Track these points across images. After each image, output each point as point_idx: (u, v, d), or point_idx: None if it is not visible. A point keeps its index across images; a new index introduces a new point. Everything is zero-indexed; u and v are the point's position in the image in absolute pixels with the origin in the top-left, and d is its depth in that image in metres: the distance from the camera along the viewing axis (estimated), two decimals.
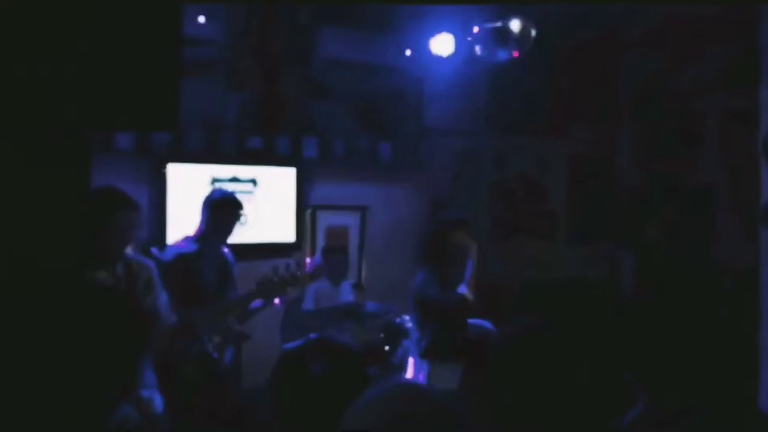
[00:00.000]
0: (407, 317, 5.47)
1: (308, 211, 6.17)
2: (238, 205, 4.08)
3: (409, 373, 4.30)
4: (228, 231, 4.06)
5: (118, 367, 1.87)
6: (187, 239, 4.05)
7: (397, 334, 5.38)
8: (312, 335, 4.99)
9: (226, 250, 4.16)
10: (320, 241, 6.21)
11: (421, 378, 4.23)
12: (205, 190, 5.31)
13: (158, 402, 3.14)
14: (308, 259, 5.99)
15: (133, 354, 2.11)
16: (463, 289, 4.19)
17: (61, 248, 1.85)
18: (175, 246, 4.08)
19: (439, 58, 5.91)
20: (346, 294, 5.64)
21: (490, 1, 5.48)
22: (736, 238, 6.48)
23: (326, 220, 6.29)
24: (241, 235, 4.26)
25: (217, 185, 5.53)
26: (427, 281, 4.23)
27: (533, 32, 5.14)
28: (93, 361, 1.73)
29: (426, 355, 4.21)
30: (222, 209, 4.02)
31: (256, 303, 3.90)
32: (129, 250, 3.21)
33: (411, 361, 4.35)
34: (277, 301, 3.95)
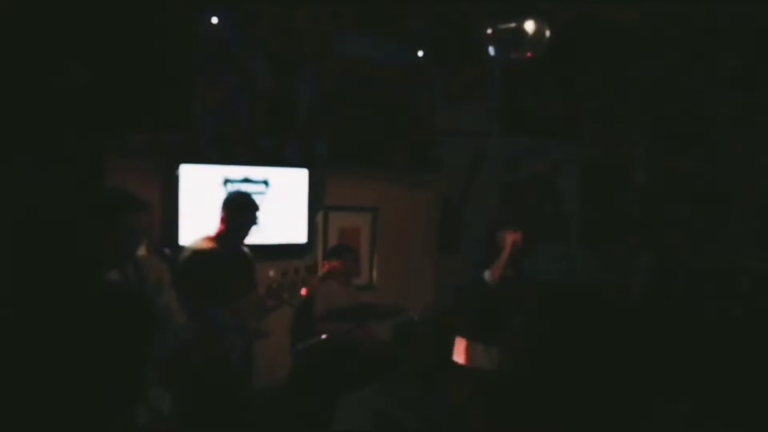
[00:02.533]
0: (417, 318, 5.47)
1: (320, 212, 6.17)
2: (256, 207, 4.16)
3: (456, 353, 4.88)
4: (244, 232, 4.13)
5: (129, 364, 1.87)
6: (205, 239, 4.09)
7: (407, 334, 5.37)
8: (322, 336, 5.01)
9: (246, 249, 4.21)
10: (332, 242, 6.21)
11: (461, 358, 4.81)
12: (218, 190, 5.33)
13: (167, 399, 3.15)
14: (321, 260, 5.99)
15: (144, 352, 2.11)
16: (486, 274, 4.71)
17: (75, 248, 1.86)
18: (193, 245, 4.12)
19: (451, 60, 5.91)
20: (357, 294, 5.63)
21: None
22: (751, 241, 6.44)
23: (338, 221, 6.29)
24: (253, 235, 4.28)
25: (230, 186, 5.54)
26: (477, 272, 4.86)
27: (547, 34, 5.13)
28: (105, 358, 1.74)
29: (463, 334, 4.81)
30: (243, 210, 4.10)
31: (272, 303, 3.92)
32: (140, 250, 3.22)
33: (458, 341, 4.88)
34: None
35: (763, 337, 4.83)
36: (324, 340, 4.81)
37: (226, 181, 5.58)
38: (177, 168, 5.37)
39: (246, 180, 5.69)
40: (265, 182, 5.80)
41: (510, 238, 4.73)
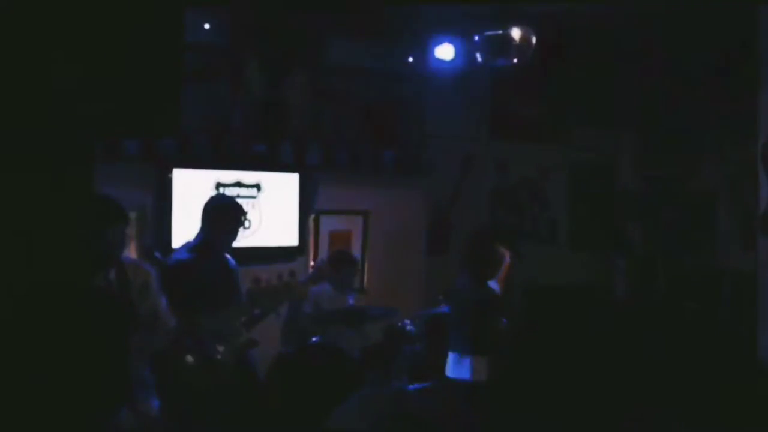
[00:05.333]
0: (408, 321, 5.52)
1: (311, 216, 6.23)
2: (238, 211, 4.08)
3: (448, 368, 4.63)
4: (229, 237, 4.06)
5: (109, 367, 1.91)
6: (187, 245, 4.06)
7: (398, 338, 5.43)
8: (311, 339, 5.04)
9: (229, 257, 4.14)
10: (323, 245, 6.27)
11: (456, 372, 4.57)
12: (210, 194, 5.38)
13: (154, 404, 3.16)
14: (312, 262, 6.04)
15: (123, 355, 2.14)
16: (494, 285, 4.59)
17: (61, 253, 1.89)
18: (176, 252, 4.10)
19: (441, 66, 5.98)
20: (349, 298, 5.67)
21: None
22: (735, 244, 6.52)
23: (329, 224, 6.35)
24: (245, 239, 4.28)
25: (222, 190, 5.59)
26: (466, 281, 4.64)
27: (533, 40, 5.21)
28: (84, 361, 1.77)
29: (468, 349, 4.57)
30: (222, 215, 4.02)
31: (257, 311, 3.85)
32: (127, 255, 3.23)
33: (450, 356, 4.64)
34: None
35: (746, 339, 4.91)
36: (310, 344, 4.86)
37: (218, 185, 5.63)
38: (170, 172, 5.42)
39: (238, 184, 5.75)
40: (257, 186, 5.86)
41: (508, 259, 4.71)
